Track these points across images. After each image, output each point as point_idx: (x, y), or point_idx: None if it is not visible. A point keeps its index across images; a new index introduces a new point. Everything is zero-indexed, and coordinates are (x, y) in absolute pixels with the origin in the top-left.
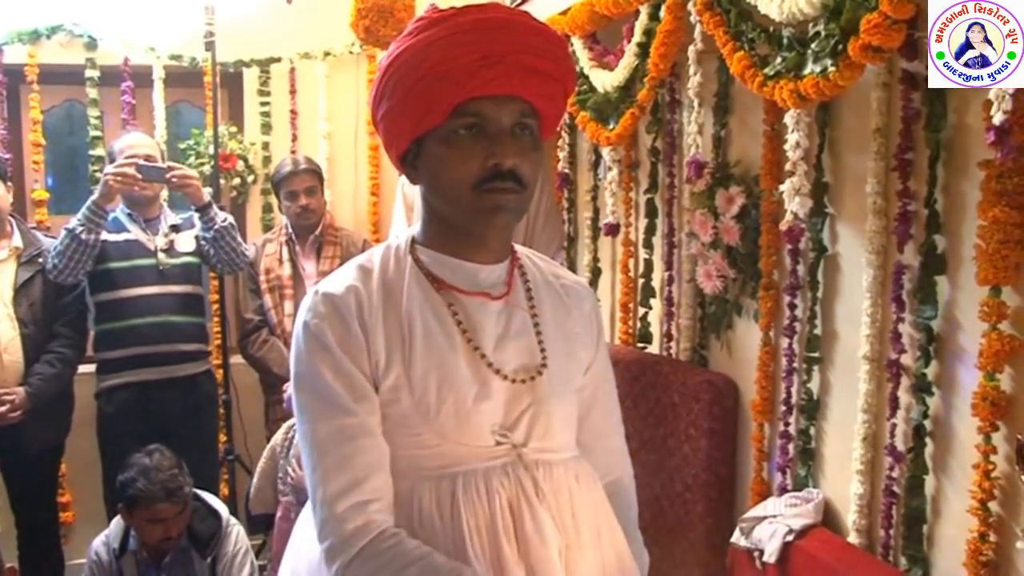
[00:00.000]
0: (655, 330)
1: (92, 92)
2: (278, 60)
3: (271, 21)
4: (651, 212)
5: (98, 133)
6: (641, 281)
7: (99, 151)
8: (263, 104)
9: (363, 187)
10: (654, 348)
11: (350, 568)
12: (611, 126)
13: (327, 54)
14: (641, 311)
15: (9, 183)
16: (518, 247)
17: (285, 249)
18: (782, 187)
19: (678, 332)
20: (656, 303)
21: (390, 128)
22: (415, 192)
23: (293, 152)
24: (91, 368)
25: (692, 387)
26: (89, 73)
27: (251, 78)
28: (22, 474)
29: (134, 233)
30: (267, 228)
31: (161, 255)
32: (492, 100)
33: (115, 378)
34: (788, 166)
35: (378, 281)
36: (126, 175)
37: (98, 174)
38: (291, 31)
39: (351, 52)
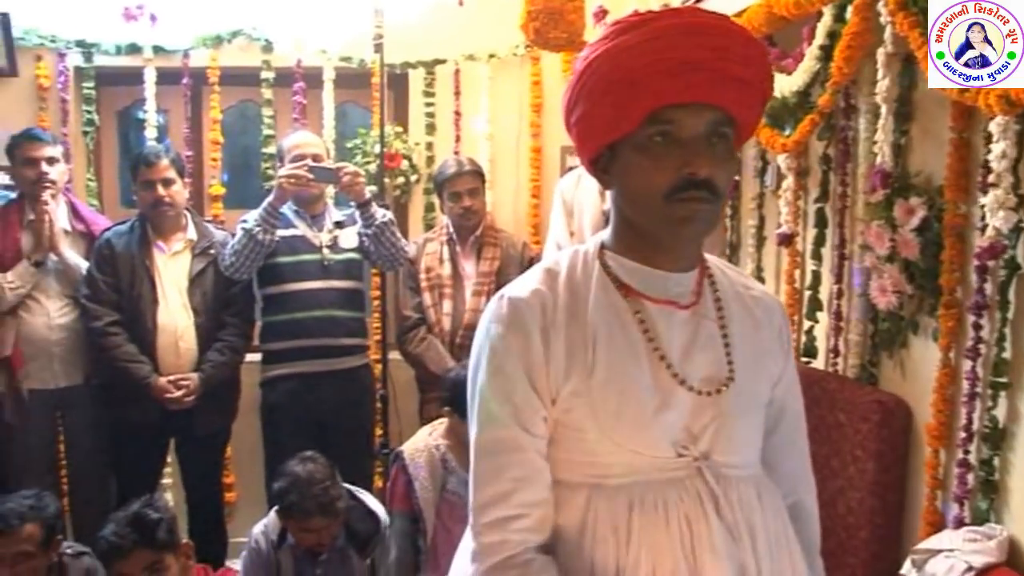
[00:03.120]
0: (820, 344)
1: (266, 93)
2: (443, 62)
3: (438, 23)
4: (821, 222)
5: (271, 132)
6: (808, 293)
7: (271, 149)
8: (428, 105)
9: (524, 189)
10: (818, 363)
11: None
12: (787, 132)
13: (492, 56)
14: (806, 324)
15: (186, 179)
16: (708, 256)
17: (446, 249)
18: (983, 200)
19: (846, 348)
20: (823, 316)
21: (583, 132)
22: (574, 197)
23: (456, 153)
24: (257, 357)
25: (860, 406)
26: (264, 75)
27: (416, 79)
28: (193, 455)
29: (300, 229)
30: (428, 227)
31: (325, 251)
32: (688, 108)
33: (279, 368)
34: (992, 177)
35: (564, 284)
36: (299, 176)
37: (270, 171)
38: (457, 33)
39: (515, 54)
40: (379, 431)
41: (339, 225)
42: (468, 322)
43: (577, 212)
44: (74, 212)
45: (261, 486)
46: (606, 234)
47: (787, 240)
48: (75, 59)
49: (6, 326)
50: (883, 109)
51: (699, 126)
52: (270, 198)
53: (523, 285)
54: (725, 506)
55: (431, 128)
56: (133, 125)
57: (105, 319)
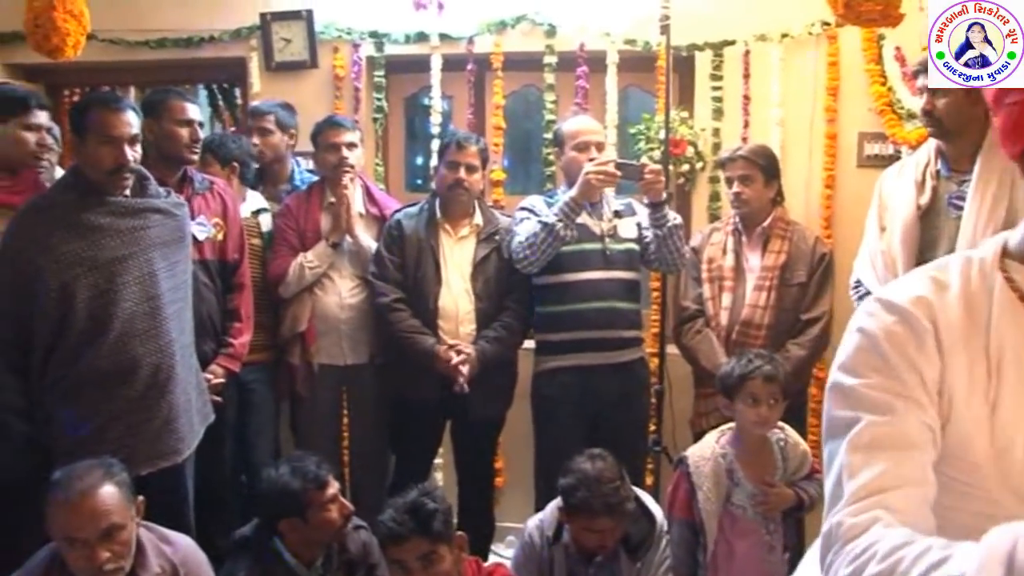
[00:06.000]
0: None
1: (549, 77)
2: (732, 43)
3: (727, 2)
4: None
5: (552, 117)
6: None
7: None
8: (715, 88)
9: (817, 179)
10: None
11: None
12: None
13: (784, 35)
14: None
15: (485, 169)
16: None
17: (730, 239)
18: None
19: None
20: None
21: (1017, 118)
22: (891, 193)
23: (744, 139)
24: (531, 344)
25: None
26: (547, 59)
27: (703, 62)
28: (467, 439)
29: (581, 217)
30: (713, 217)
31: (607, 240)
32: None
33: (555, 360)
34: None
35: (957, 297)
36: (607, 173)
37: (551, 156)
38: (747, 12)
39: (810, 33)
40: (652, 427)
41: (618, 214)
42: (746, 318)
43: (890, 206)
44: (368, 196)
45: (529, 474)
46: (1011, 237)
47: None
48: (368, 49)
49: (302, 303)
50: None
51: None
52: (573, 193)
53: (904, 290)
54: None
55: (718, 113)
56: (419, 111)
57: (391, 295)
